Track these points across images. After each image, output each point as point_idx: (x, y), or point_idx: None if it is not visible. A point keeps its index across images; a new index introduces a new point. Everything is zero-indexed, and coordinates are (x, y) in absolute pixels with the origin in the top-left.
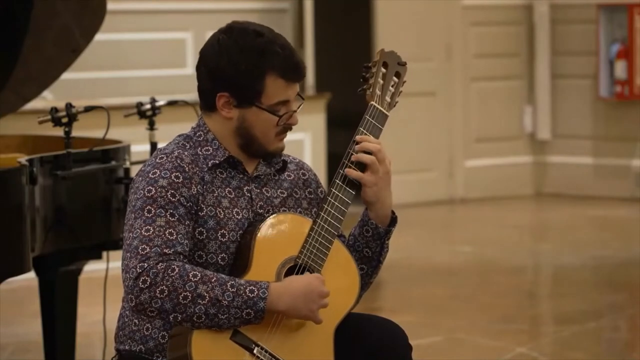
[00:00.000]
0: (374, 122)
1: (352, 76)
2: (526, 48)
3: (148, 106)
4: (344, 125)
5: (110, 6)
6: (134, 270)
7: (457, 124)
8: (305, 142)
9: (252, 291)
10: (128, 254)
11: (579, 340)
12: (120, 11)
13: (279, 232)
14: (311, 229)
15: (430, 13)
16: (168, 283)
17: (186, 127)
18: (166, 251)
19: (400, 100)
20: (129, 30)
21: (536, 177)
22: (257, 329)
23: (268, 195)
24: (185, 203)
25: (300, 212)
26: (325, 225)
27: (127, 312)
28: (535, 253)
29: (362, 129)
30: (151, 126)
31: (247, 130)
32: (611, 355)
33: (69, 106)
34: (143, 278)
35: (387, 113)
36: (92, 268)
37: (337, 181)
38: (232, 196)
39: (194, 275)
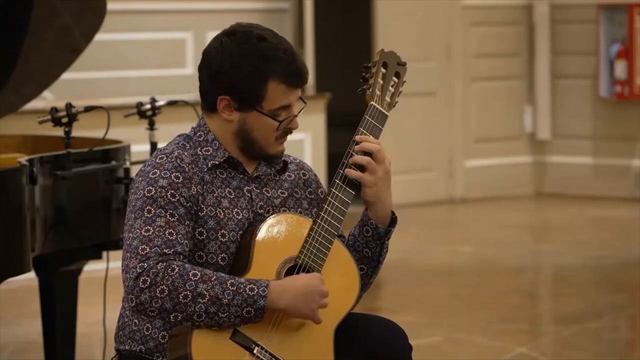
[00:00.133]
0: (373, 122)
1: (352, 76)
2: (526, 48)
3: (148, 106)
4: (344, 125)
5: (110, 6)
6: (134, 270)
7: (457, 124)
8: (305, 142)
9: (252, 289)
10: (128, 254)
11: (579, 340)
12: (120, 11)
13: (279, 232)
14: (311, 229)
15: (430, 13)
16: (168, 282)
17: (186, 127)
18: (166, 251)
19: (400, 100)
20: (129, 30)
21: (536, 177)
22: (257, 328)
23: (268, 195)
24: (185, 203)
25: (300, 213)
26: (325, 225)
27: (127, 312)
28: (535, 253)
29: (362, 129)
30: (151, 126)
31: (247, 133)
32: (611, 355)
33: (69, 106)
34: (143, 278)
35: (387, 113)
36: (92, 268)
37: (337, 181)
38: (232, 196)
39: (194, 275)
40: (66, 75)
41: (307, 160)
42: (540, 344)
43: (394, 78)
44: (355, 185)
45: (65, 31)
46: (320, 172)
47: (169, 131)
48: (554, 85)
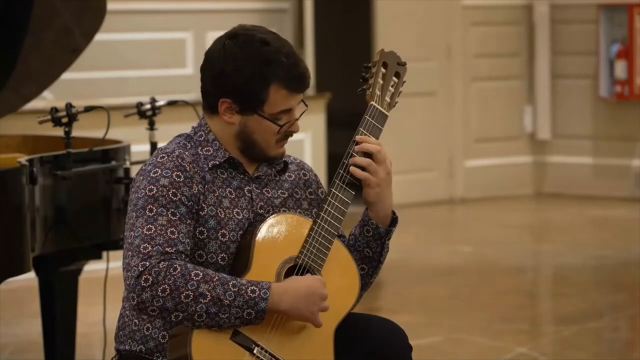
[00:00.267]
0: (373, 122)
1: (352, 76)
2: (526, 48)
3: (148, 106)
4: (344, 125)
5: (110, 6)
6: (135, 268)
7: (457, 124)
8: (305, 142)
9: (253, 291)
10: (129, 253)
11: (579, 340)
12: (120, 11)
13: (279, 232)
14: (311, 229)
15: (430, 13)
16: (170, 282)
17: (186, 127)
18: (168, 250)
19: (400, 100)
20: (129, 30)
21: (536, 177)
22: (257, 329)
23: (269, 195)
24: (186, 202)
25: (300, 213)
26: (325, 226)
27: (127, 312)
28: (535, 253)
29: (362, 129)
30: (151, 126)
31: (248, 136)
32: (611, 355)
33: (69, 106)
34: (145, 277)
35: (387, 113)
36: (92, 268)
37: (337, 181)
38: (232, 196)
39: (196, 275)
40: (66, 75)
41: (307, 160)
42: (540, 344)
43: (394, 78)
44: (355, 186)
45: (65, 31)
46: (320, 172)
47: (169, 131)
48: (554, 85)
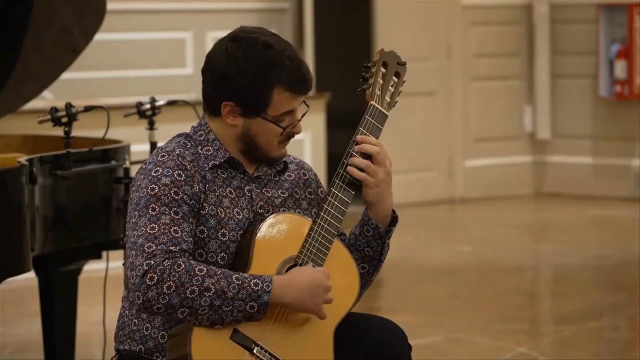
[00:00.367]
0: (374, 122)
1: (352, 76)
2: (526, 48)
3: (148, 106)
4: (344, 125)
5: (110, 6)
6: (140, 268)
7: (457, 124)
8: (305, 142)
9: (256, 284)
10: (133, 252)
11: (579, 340)
12: (120, 11)
13: (279, 232)
14: (311, 229)
15: (430, 13)
16: (175, 279)
17: (186, 127)
18: (172, 249)
19: (400, 100)
20: (129, 30)
21: (536, 177)
22: (257, 328)
23: (269, 195)
24: (188, 201)
25: (299, 213)
26: (325, 225)
27: (127, 312)
28: (535, 253)
29: (362, 129)
30: (151, 126)
31: (251, 138)
32: (611, 355)
33: (69, 106)
34: (150, 275)
35: (387, 113)
36: (92, 268)
37: (337, 181)
38: (233, 196)
39: (200, 270)
40: (66, 75)
41: (307, 160)
42: (540, 344)
43: (394, 78)
44: (356, 186)
45: (65, 31)
46: (320, 172)
47: (169, 131)
48: (554, 85)
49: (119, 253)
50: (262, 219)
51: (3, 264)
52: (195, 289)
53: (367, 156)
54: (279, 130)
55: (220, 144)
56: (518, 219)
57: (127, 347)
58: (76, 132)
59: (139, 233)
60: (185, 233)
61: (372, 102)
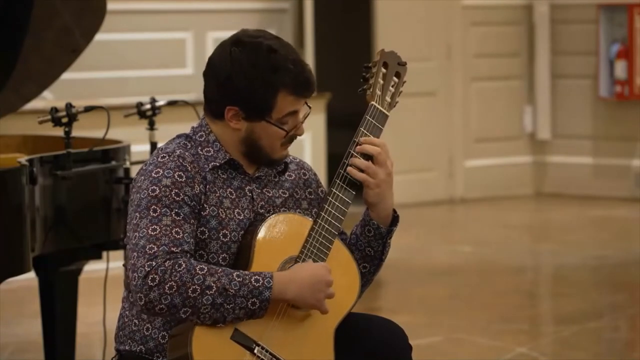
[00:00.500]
0: (374, 122)
1: (352, 76)
2: (526, 48)
3: (148, 106)
4: (344, 125)
5: (110, 6)
6: (142, 269)
7: (457, 124)
8: (305, 142)
9: (257, 280)
10: (135, 254)
11: (579, 340)
12: (120, 11)
13: (280, 232)
14: (312, 229)
15: (430, 13)
16: (176, 278)
17: (186, 127)
18: (173, 250)
19: (400, 100)
20: (129, 30)
21: (536, 177)
22: (257, 328)
23: (269, 195)
24: (189, 202)
25: (300, 213)
26: (326, 225)
27: (127, 312)
28: (535, 253)
29: (362, 129)
30: (151, 126)
31: (254, 141)
32: (611, 355)
33: (69, 106)
34: (152, 276)
35: (387, 113)
36: (92, 268)
37: (338, 181)
38: (233, 196)
39: (201, 269)
40: (66, 75)
41: (307, 160)
42: (540, 344)
43: (394, 78)
44: (356, 185)
45: (65, 31)
46: (320, 172)
47: (169, 131)
48: (554, 85)
49: (119, 253)
50: (263, 218)
51: (3, 264)
52: (197, 287)
53: (368, 156)
54: (282, 132)
55: (220, 145)
56: (518, 219)
57: (127, 347)
58: (76, 132)
59: (140, 234)
60: (186, 234)
61: (372, 102)
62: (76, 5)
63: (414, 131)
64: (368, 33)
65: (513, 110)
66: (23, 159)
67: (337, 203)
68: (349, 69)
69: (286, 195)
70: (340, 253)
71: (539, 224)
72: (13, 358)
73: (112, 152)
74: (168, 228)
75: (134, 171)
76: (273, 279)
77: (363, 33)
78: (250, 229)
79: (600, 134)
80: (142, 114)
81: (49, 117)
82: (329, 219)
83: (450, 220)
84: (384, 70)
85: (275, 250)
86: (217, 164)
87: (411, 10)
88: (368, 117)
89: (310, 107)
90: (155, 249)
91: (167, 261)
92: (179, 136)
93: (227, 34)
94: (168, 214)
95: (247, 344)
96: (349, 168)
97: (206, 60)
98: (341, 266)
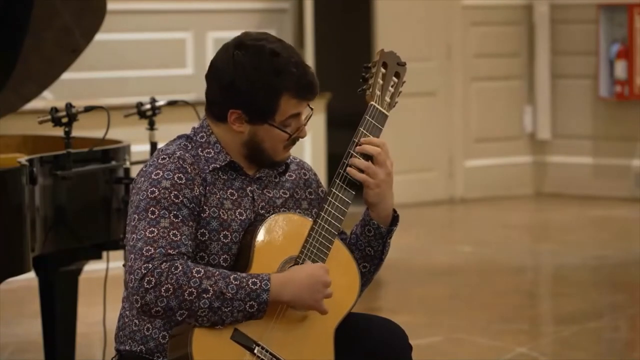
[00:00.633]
0: (373, 122)
1: (352, 76)
2: (526, 48)
3: (148, 106)
4: (344, 125)
5: (110, 6)
6: (138, 271)
7: (457, 124)
8: (305, 142)
9: (254, 283)
10: (132, 255)
11: (579, 340)
12: (120, 11)
13: (280, 232)
14: (311, 229)
15: (430, 13)
16: (172, 281)
17: (186, 127)
18: (170, 252)
19: (400, 100)
20: (129, 30)
21: (536, 177)
22: (257, 328)
23: (270, 195)
24: (188, 204)
25: (300, 213)
26: (326, 225)
27: (128, 313)
28: (535, 253)
29: (362, 129)
30: (151, 126)
31: (257, 144)
32: (611, 355)
33: (69, 106)
34: (148, 278)
35: (386, 113)
36: (92, 268)
37: (337, 181)
38: (234, 197)
39: (198, 272)
40: (66, 75)
41: (307, 160)
42: (540, 344)
43: (394, 78)
44: (356, 185)
45: (65, 31)
46: (320, 172)
47: (169, 131)
48: (554, 85)
49: (119, 253)
50: (263, 219)
51: (3, 264)
52: (193, 290)
53: (367, 156)
54: (285, 135)
55: (221, 147)
56: (518, 219)
57: (127, 347)
58: (76, 132)
59: (138, 236)
60: (184, 236)
61: (372, 102)
62: (76, 5)
63: (414, 131)
64: (368, 33)
65: (513, 110)
66: (23, 159)
67: (336, 203)
68: (349, 69)
69: (287, 196)
70: (340, 253)
71: (539, 224)
72: (13, 358)
73: (112, 152)
74: (166, 230)
75: (134, 171)
76: (270, 281)
77: (363, 33)
78: (250, 229)
79: (600, 134)
80: (142, 114)
81: (49, 117)
82: (329, 218)
83: (450, 220)
84: (383, 70)
85: (275, 251)
86: (218, 166)
87: (411, 10)
88: (367, 117)
89: (312, 109)
90: (152, 251)
91: (164, 263)
92: (179, 137)
93: (227, 34)
94: (166, 216)
95: (247, 344)
96: (348, 169)
97: (206, 60)
98: (341, 266)
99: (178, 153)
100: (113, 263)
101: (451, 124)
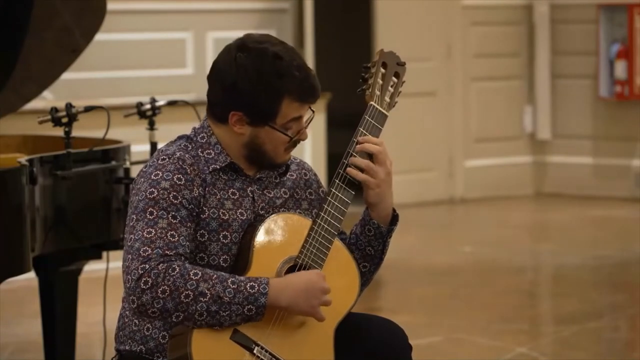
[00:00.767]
0: (373, 122)
1: (352, 76)
2: (526, 48)
3: (148, 106)
4: (344, 125)
5: (110, 6)
6: (135, 271)
7: (457, 124)
8: (306, 142)
9: (252, 287)
10: (129, 256)
11: (579, 340)
12: (120, 11)
13: (279, 232)
14: (311, 229)
15: (430, 13)
16: (169, 282)
17: (186, 127)
18: (168, 252)
19: (400, 100)
20: (129, 30)
21: (536, 177)
22: (257, 328)
23: (270, 196)
24: (187, 205)
25: (299, 213)
26: (325, 225)
27: (127, 313)
28: (535, 253)
29: (361, 129)
30: (151, 126)
31: (258, 146)
32: (611, 355)
33: (69, 106)
34: (145, 279)
35: (386, 113)
36: (92, 268)
37: (337, 181)
38: (235, 197)
39: (195, 274)
40: (66, 75)
41: (307, 160)
42: (540, 344)
43: (394, 78)
44: (355, 185)
45: (65, 31)
46: (320, 172)
47: (169, 131)
48: (554, 85)
49: (119, 253)
50: (262, 219)
51: (3, 264)
52: (190, 293)
53: (367, 156)
54: (286, 138)
55: (221, 148)
56: (518, 219)
57: (127, 347)
58: (76, 132)
59: (136, 237)
60: (182, 237)
61: (371, 102)
62: (76, 5)
63: (414, 131)
64: (368, 33)
65: (513, 110)
66: (23, 159)
67: (336, 203)
68: (349, 69)
69: (287, 196)
70: (339, 253)
71: (539, 224)
72: (13, 358)
73: (112, 152)
74: (164, 231)
75: (134, 171)
76: (269, 285)
77: (363, 33)
78: (250, 230)
79: (600, 134)
80: (142, 114)
81: (49, 117)
82: (329, 219)
83: (450, 220)
84: (382, 70)
85: (274, 251)
86: (218, 167)
87: (411, 10)
88: (367, 117)
89: (313, 111)
90: (150, 251)
91: (161, 264)
92: (180, 137)
93: (227, 34)
94: (165, 216)
95: (247, 344)
96: (349, 169)
97: (206, 60)
98: (341, 266)
99: (178, 154)
100: (113, 263)
101: (451, 124)
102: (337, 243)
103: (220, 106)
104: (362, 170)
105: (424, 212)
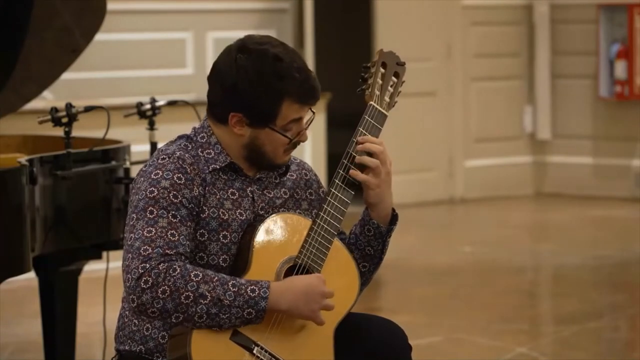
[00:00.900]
0: (373, 122)
1: (352, 76)
2: (526, 48)
3: (148, 106)
4: (344, 125)
5: (110, 6)
6: (135, 271)
7: (457, 124)
8: (306, 142)
9: (253, 290)
10: (129, 255)
11: (579, 340)
12: (120, 11)
13: (279, 232)
14: (311, 229)
15: (430, 13)
16: (170, 283)
17: (186, 127)
18: (168, 252)
19: (400, 100)
20: (129, 30)
21: (536, 177)
22: (257, 328)
23: (270, 196)
24: (187, 204)
25: (299, 213)
26: (325, 225)
27: (127, 313)
28: (535, 253)
29: (361, 129)
30: (151, 126)
31: (258, 147)
32: (611, 355)
33: (69, 106)
34: (145, 278)
35: (386, 113)
36: (92, 268)
37: (337, 181)
38: (235, 197)
39: (196, 275)
40: (66, 75)
41: (307, 160)
42: (540, 344)
43: (393, 78)
44: (355, 185)
45: (65, 31)
46: (320, 172)
47: (169, 131)
48: (554, 85)
49: (119, 253)
50: (262, 219)
51: (3, 264)
52: (190, 294)
53: (367, 155)
54: (286, 140)
55: (221, 148)
56: (518, 219)
57: (127, 347)
58: (76, 132)
59: (136, 236)
60: (182, 236)
61: (371, 102)
62: (76, 5)
63: (414, 131)
64: (368, 33)
65: (513, 110)
66: (23, 159)
67: (336, 203)
68: (349, 69)
69: (287, 196)
70: (339, 253)
71: (539, 224)
72: (13, 358)
73: (112, 152)
74: (164, 230)
75: (134, 171)
76: (270, 289)
77: (363, 33)
78: (249, 230)
79: (600, 134)
80: (142, 114)
81: (49, 117)
82: (328, 219)
83: (450, 220)
84: (382, 70)
85: (274, 251)
86: (218, 167)
87: (411, 10)
88: (367, 117)
89: (314, 113)
90: (150, 250)
91: (162, 264)
92: (180, 137)
93: (227, 34)
94: (165, 215)
95: (246, 344)
96: (350, 170)
97: (206, 60)
98: (340, 266)
99: (178, 153)
100: (113, 263)
101: (451, 124)
102: (337, 243)
103: (220, 107)
104: (364, 168)
105: (424, 212)
